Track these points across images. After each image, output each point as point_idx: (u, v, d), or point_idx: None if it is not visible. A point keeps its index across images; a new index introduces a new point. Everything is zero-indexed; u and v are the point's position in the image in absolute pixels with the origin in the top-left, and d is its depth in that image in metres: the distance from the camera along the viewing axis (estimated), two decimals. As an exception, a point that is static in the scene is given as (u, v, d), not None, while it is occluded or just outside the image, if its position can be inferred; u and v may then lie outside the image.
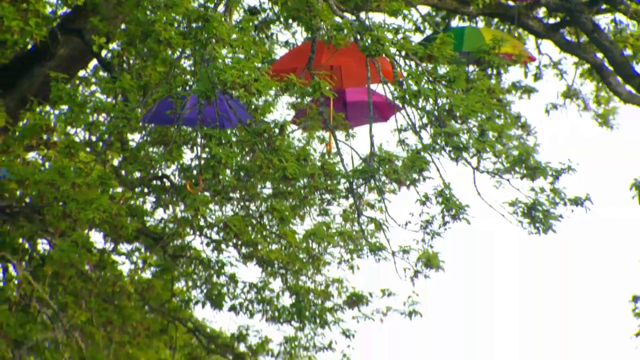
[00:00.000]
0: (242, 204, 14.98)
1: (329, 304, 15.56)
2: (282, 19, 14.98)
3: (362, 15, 12.53)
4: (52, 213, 11.54)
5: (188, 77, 14.48)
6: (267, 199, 14.86)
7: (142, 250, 15.49)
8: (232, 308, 15.61)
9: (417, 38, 14.17)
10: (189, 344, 16.51)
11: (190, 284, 15.75)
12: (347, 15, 12.61)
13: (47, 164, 13.50)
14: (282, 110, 15.88)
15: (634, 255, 13.29)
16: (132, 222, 13.05)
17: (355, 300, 15.56)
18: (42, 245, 13.89)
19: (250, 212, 15.00)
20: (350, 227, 15.66)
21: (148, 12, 13.31)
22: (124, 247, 15.22)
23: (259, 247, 14.74)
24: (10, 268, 13.75)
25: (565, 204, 12.61)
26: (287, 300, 15.50)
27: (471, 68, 13.60)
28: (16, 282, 13.35)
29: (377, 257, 13.95)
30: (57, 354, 13.28)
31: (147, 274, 15.54)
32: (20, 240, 13.18)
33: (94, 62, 16.12)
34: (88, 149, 13.99)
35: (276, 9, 15.09)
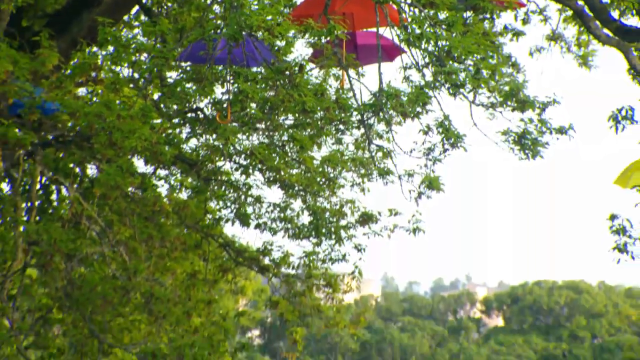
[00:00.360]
0: (266, 133, 14.99)
1: (342, 222, 15.64)
2: (301, -31, 14.89)
3: (372, -34, 12.60)
4: (99, 141, 11.56)
5: (219, 21, 14.51)
6: (288, 129, 14.84)
7: (179, 174, 15.54)
8: (258, 226, 15.70)
9: (420, -13, 14.21)
10: (220, 257, 16.48)
11: (221, 204, 15.72)
12: (359, -34, 12.67)
13: (95, 98, 13.53)
14: (301, 50, 15.91)
15: (611, 180, 13.48)
16: (169, 150, 13.03)
17: (366, 218, 15.66)
18: (91, 170, 13.88)
19: (274, 140, 15.03)
20: (362, 154, 15.66)
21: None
22: (163, 171, 15.23)
23: (281, 171, 14.79)
24: (63, 190, 13.80)
25: (551, 133, 12.80)
26: (306, 218, 15.56)
27: (468, 14, 13.57)
28: (68, 202, 13.37)
29: (385, 181, 14.20)
30: (104, 266, 13.34)
31: (183, 195, 15.51)
32: (72, 166, 13.14)
33: (136, 8, 16.09)
34: (131, 85, 14.04)
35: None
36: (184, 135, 15.11)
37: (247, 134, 14.90)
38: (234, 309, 20.51)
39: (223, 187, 15.38)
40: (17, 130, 11.65)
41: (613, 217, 12.52)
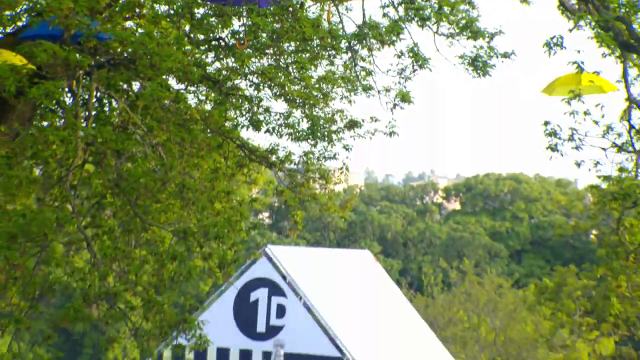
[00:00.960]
0: (274, 57, 14.95)
1: (334, 127, 15.70)
2: None
3: None
4: (142, 64, 11.55)
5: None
6: (291, 53, 14.90)
7: (205, 90, 15.45)
8: (267, 130, 15.78)
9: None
10: (237, 155, 16.40)
11: (238, 113, 15.77)
12: None
13: (139, 30, 13.53)
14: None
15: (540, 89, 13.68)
16: (197, 70, 13.07)
17: (352, 124, 15.71)
18: (136, 86, 13.82)
19: (280, 63, 14.96)
20: (349, 73, 15.64)
21: None
22: (192, 87, 15.14)
23: (286, 87, 14.79)
24: (114, 102, 13.75)
25: (497, 57, 12.89)
26: (304, 125, 15.61)
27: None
28: (118, 112, 13.33)
29: (367, 94, 14.32)
30: (146, 162, 13.32)
31: (208, 107, 15.48)
32: (121, 83, 13.08)
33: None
34: (167, 19, 13.97)
35: None
36: (209, 59, 15.05)
37: (258, 57, 14.83)
38: (248, 196, 20.48)
39: (240, 100, 15.35)
40: (77, 54, 11.56)
41: (546, 123, 12.68)
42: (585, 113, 12.43)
